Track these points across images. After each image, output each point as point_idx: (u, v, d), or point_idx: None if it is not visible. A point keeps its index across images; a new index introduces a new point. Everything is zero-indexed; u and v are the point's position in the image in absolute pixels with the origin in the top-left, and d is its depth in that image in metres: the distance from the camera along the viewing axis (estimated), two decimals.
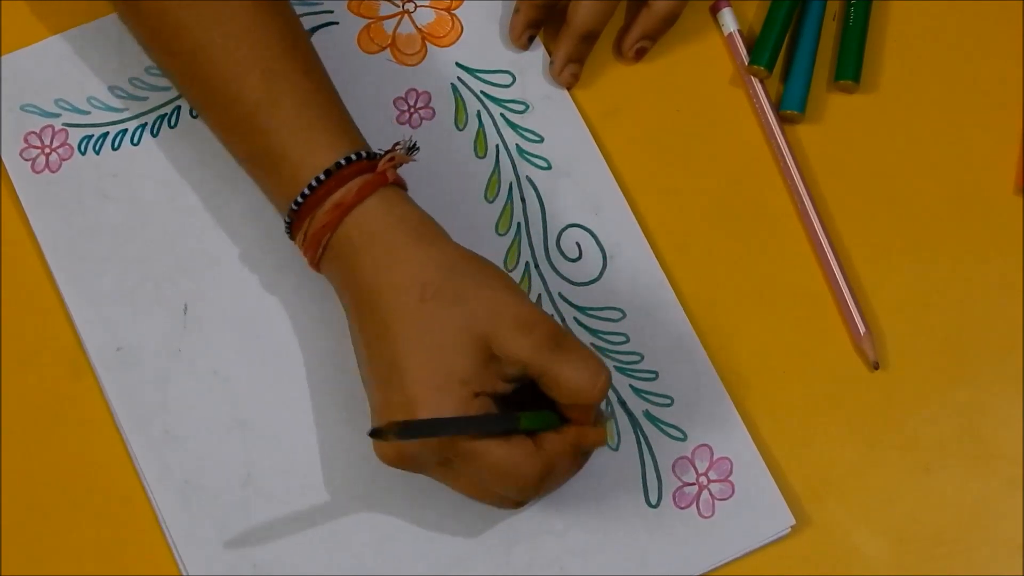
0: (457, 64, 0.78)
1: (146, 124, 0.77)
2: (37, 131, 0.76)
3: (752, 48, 0.78)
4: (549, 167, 0.76)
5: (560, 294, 0.74)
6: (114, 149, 0.76)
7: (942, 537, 0.70)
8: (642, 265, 0.74)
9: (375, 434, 0.61)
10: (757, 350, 0.73)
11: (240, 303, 0.73)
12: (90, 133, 0.76)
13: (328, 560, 0.69)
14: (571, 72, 0.77)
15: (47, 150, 0.76)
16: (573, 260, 0.75)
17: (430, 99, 0.77)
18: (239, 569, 0.69)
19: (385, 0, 0.79)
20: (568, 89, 0.78)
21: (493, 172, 0.76)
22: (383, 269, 0.66)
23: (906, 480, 0.71)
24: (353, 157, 0.67)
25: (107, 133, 0.76)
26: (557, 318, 0.73)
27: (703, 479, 0.71)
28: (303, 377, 0.72)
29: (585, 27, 0.76)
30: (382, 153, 0.69)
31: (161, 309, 0.73)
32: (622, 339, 0.73)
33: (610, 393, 0.72)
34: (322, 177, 0.67)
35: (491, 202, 0.76)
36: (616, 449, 0.71)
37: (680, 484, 0.71)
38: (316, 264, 0.68)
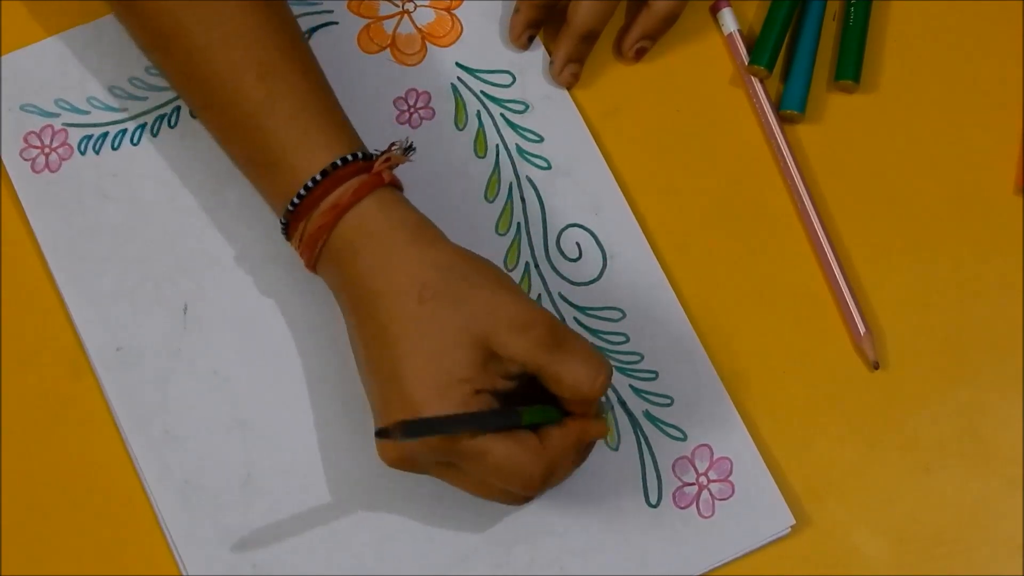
0: (457, 64, 0.78)
1: (146, 124, 0.77)
2: (37, 131, 0.76)
3: (752, 48, 0.78)
4: (549, 167, 0.76)
5: (560, 294, 0.74)
6: (114, 149, 0.76)
7: (942, 537, 0.70)
8: (642, 265, 0.74)
9: (381, 434, 0.61)
10: (757, 350, 0.73)
11: (240, 303, 0.73)
12: (90, 133, 0.76)
13: (328, 560, 0.69)
14: (571, 72, 0.77)
15: (47, 150, 0.76)
16: (573, 260, 0.75)
17: (430, 99, 0.77)
18: (239, 569, 0.69)
19: (385, 0, 0.79)
20: (568, 89, 0.78)
21: (493, 172, 0.76)
22: (381, 271, 0.66)
23: (906, 480, 0.71)
24: (349, 158, 0.67)
25: (107, 133, 0.76)
26: (557, 318, 0.73)
27: (703, 479, 0.71)
28: (303, 377, 0.72)
29: (585, 27, 0.76)
30: (378, 154, 0.69)
31: (161, 309, 0.73)
32: (622, 339, 0.73)
33: (610, 391, 0.72)
34: (318, 178, 0.67)
35: (491, 202, 0.76)
36: (616, 449, 0.71)
37: (680, 484, 0.71)
38: (313, 266, 0.68)
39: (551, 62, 0.78)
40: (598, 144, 0.77)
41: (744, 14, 0.80)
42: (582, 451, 0.68)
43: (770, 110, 0.77)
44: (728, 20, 0.79)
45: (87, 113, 0.77)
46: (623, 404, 0.72)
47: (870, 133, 0.77)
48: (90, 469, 0.71)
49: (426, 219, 0.68)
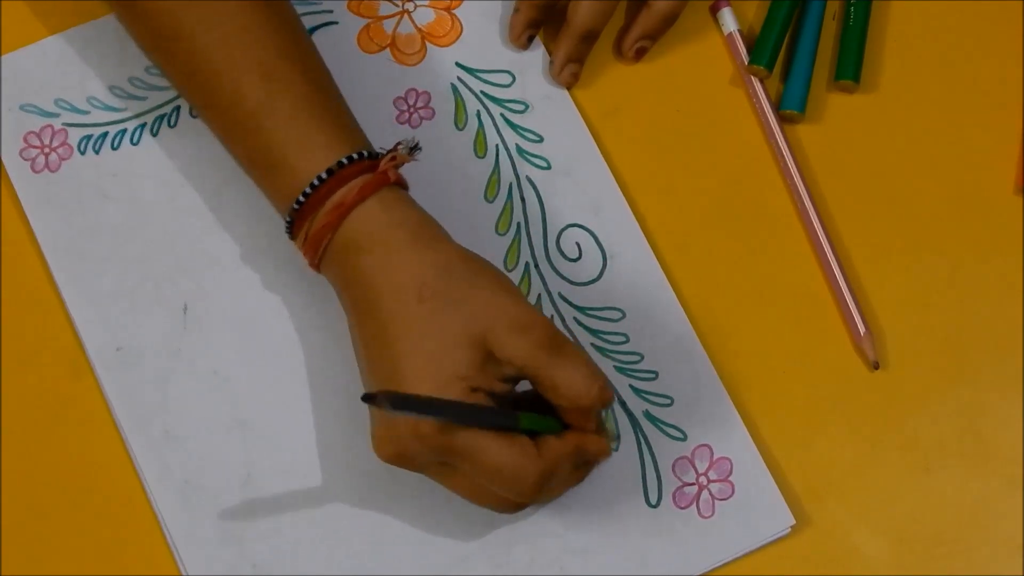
0: (457, 64, 0.78)
1: (146, 124, 0.77)
2: (37, 131, 0.76)
3: (752, 48, 0.78)
4: (549, 167, 0.76)
5: (560, 294, 0.74)
6: (114, 149, 0.76)
7: (942, 537, 0.70)
8: (642, 265, 0.74)
9: (368, 399, 0.61)
10: (757, 350, 0.73)
11: (240, 303, 0.73)
12: (90, 133, 0.76)
13: (328, 560, 0.69)
14: (571, 72, 0.77)
15: (47, 150, 0.76)
16: (573, 260, 0.75)
17: (430, 99, 0.77)
18: (239, 569, 0.69)
19: (385, 0, 0.79)
20: (568, 89, 0.78)
21: (493, 172, 0.76)
22: (381, 270, 0.66)
23: (906, 480, 0.71)
24: (355, 157, 0.67)
25: (107, 133, 0.76)
26: (557, 318, 0.73)
27: (703, 479, 0.71)
28: (303, 377, 0.72)
29: (585, 27, 0.76)
30: (384, 153, 0.69)
31: (161, 309, 0.73)
32: (622, 339, 0.73)
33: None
34: (324, 176, 0.67)
35: (491, 202, 0.76)
36: (616, 449, 0.71)
37: (680, 484, 0.71)
38: (316, 265, 0.68)
39: (551, 62, 0.78)
40: (598, 144, 0.77)
41: (744, 14, 0.80)
42: (580, 467, 0.68)
43: (770, 110, 0.77)
44: (728, 20, 0.79)
45: (87, 113, 0.77)
46: (623, 404, 0.72)
47: (870, 133, 0.77)
48: (90, 469, 0.71)
49: (430, 218, 0.68)
